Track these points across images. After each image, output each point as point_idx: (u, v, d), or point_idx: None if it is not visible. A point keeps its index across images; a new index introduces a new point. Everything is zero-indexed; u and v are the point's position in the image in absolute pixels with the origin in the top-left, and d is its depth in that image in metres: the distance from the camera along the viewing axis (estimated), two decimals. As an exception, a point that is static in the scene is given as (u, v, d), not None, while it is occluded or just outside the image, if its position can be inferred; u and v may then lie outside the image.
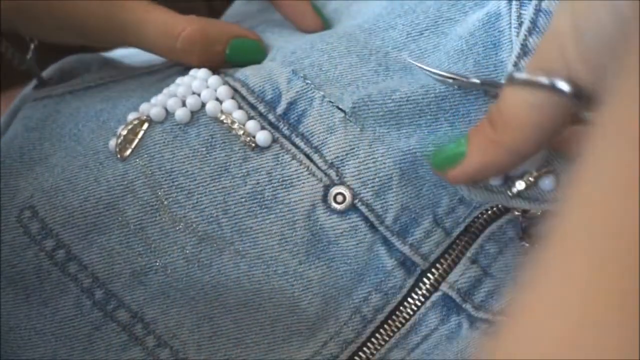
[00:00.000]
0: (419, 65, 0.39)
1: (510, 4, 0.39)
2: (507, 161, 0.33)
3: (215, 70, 0.41)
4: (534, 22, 0.38)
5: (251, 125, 0.40)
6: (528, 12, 0.38)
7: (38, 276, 0.40)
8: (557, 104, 0.31)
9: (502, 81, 0.38)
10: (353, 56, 0.41)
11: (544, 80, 0.31)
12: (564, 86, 0.30)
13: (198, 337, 0.40)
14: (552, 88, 0.31)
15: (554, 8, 0.38)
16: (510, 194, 0.38)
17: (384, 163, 0.39)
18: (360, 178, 0.39)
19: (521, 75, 0.32)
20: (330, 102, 0.40)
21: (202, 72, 0.41)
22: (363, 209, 0.39)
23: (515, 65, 0.38)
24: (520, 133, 0.32)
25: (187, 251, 0.39)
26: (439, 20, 0.41)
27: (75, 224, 0.39)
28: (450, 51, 0.40)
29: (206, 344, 0.40)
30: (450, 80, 0.37)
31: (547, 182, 0.38)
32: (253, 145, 0.39)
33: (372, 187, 0.39)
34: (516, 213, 0.40)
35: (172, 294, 0.40)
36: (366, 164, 0.39)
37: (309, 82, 0.40)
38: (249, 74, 0.41)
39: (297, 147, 0.39)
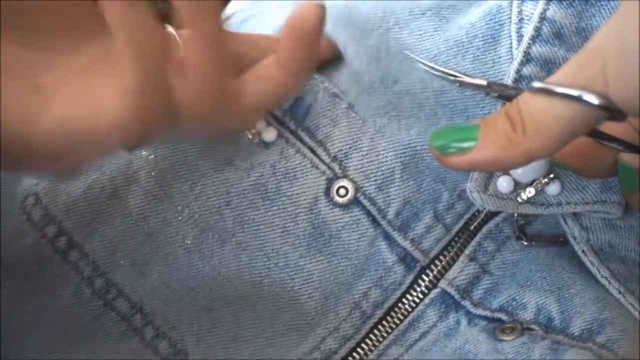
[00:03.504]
0: (423, 61, 0.39)
1: (512, 1, 0.40)
2: (518, 161, 0.33)
3: None
4: (538, 30, 0.39)
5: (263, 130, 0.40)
6: (532, 20, 0.39)
7: (39, 263, 0.40)
8: (584, 116, 0.31)
9: (508, 82, 0.39)
10: (356, 27, 0.41)
11: (572, 92, 0.31)
12: (592, 99, 0.30)
13: (197, 329, 0.40)
14: (579, 100, 0.31)
15: (558, 17, 0.39)
16: (519, 200, 0.39)
17: (386, 156, 0.39)
18: (363, 171, 0.39)
19: (548, 86, 0.31)
20: (333, 93, 0.40)
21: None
22: (365, 202, 0.39)
23: (518, 72, 0.39)
24: (542, 141, 0.32)
25: (189, 242, 0.39)
26: (443, 5, 0.42)
27: (78, 212, 0.40)
28: (449, 40, 0.41)
29: (205, 336, 0.40)
30: (452, 78, 0.37)
31: (552, 187, 0.39)
32: (259, 141, 0.40)
33: (375, 180, 0.39)
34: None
35: (173, 285, 0.40)
36: (369, 157, 0.39)
37: (316, 76, 0.40)
38: None
39: (301, 141, 0.40)
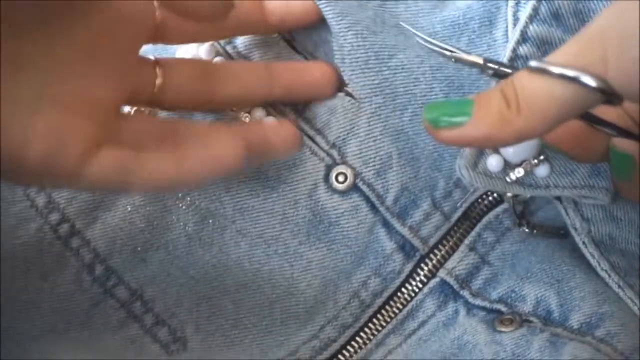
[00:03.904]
0: (419, 34, 0.38)
1: None
2: (509, 140, 0.33)
3: (221, 54, 0.42)
4: (536, 10, 0.38)
5: (258, 113, 0.40)
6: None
7: (40, 249, 0.40)
8: (580, 98, 0.31)
9: (504, 61, 0.38)
10: (353, 2, 0.41)
11: (570, 73, 0.30)
12: (590, 81, 0.30)
13: (196, 317, 0.40)
14: (577, 81, 0.30)
15: None
16: (508, 180, 0.39)
17: (383, 142, 0.39)
18: (362, 157, 0.39)
19: (545, 65, 0.31)
20: None
21: (206, 55, 0.41)
22: (364, 188, 0.39)
23: (514, 51, 0.38)
24: (536, 120, 0.32)
25: (189, 229, 0.40)
26: None
27: (81, 199, 0.40)
28: (445, 20, 0.41)
29: (204, 324, 0.40)
30: (449, 53, 0.36)
31: (542, 169, 0.39)
32: None
33: (374, 165, 0.39)
34: (509, 196, 0.40)
35: (173, 273, 0.40)
36: (367, 142, 0.39)
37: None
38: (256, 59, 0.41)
39: (301, 130, 0.40)
